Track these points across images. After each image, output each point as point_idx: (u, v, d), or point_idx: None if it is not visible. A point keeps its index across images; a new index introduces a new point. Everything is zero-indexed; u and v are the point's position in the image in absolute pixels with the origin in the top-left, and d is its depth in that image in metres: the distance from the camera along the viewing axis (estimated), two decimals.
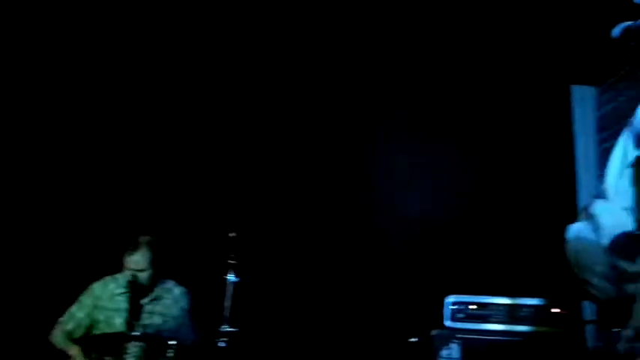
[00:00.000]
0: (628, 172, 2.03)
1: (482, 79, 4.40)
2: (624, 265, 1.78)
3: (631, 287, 1.76)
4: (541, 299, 3.68)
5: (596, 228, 2.00)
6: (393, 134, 4.38)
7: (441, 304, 3.62)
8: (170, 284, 3.93)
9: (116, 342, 3.57)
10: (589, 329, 3.54)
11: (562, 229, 2.20)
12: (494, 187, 4.31)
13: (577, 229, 2.07)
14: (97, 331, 3.76)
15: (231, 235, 3.62)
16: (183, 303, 3.92)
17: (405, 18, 4.13)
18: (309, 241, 4.31)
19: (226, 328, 3.49)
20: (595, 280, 1.87)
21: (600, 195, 2.10)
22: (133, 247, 3.76)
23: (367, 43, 4.27)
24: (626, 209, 2.03)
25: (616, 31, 1.82)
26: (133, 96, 4.50)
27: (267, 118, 4.48)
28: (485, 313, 3.69)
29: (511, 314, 3.67)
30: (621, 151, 2.07)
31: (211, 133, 4.49)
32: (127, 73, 4.44)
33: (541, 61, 4.24)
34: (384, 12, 4.13)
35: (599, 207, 2.09)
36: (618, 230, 1.93)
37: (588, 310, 3.50)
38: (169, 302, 3.87)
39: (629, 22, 1.80)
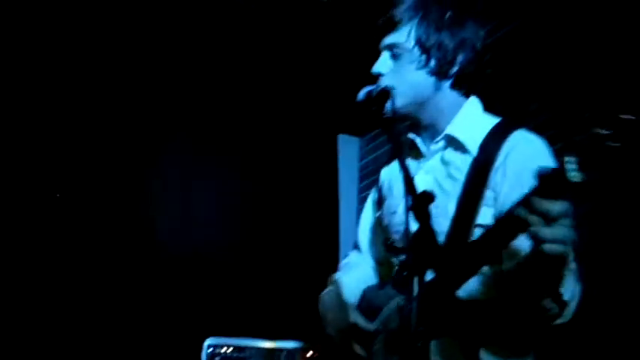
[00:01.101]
0: (374, 232, 2.12)
1: (261, 123, 4.44)
2: (363, 323, 1.81)
3: (370, 346, 1.77)
4: (298, 342, 3.72)
5: (342, 285, 2.05)
6: (157, 173, 4.23)
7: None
8: None
9: None
10: None
11: (322, 273, 2.23)
12: (259, 229, 4.33)
13: (336, 281, 2.10)
14: None
15: None
16: None
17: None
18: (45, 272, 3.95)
19: None
20: (336, 337, 1.89)
21: (355, 247, 2.17)
22: None
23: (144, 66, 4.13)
24: (376, 263, 2.12)
25: (360, 95, 1.86)
26: None
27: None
28: (242, 356, 3.65)
29: (268, 358, 3.67)
30: (370, 207, 2.15)
31: None
32: None
33: (312, 108, 4.40)
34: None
35: (350, 261, 2.15)
36: (364, 286, 1.98)
37: None
38: None
39: (372, 87, 1.85)
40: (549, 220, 1.31)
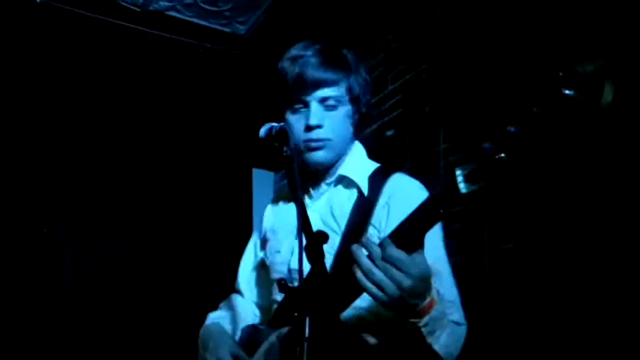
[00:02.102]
0: (255, 273, 2.12)
1: (175, 155, 4.41)
2: (243, 355, 1.81)
3: None
4: None
5: (233, 319, 2.05)
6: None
7: None
8: None
9: None
10: None
11: None
12: (170, 261, 4.24)
13: (217, 316, 2.09)
14: None
15: None
16: None
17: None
18: None
19: None
20: None
21: (236, 290, 2.16)
22: None
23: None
24: (255, 305, 2.12)
25: (262, 131, 1.88)
26: None
27: None
28: None
29: None
30: (252, 250, 2.16)
31: None
32: None
33: (228, 143, 4.39)
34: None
35: (236, 300, 2.14)
36: (245, 324, 1.99)
37: None
38: None
39: (274, 123, 1.83)
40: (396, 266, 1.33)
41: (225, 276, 4.21)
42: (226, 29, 4.22)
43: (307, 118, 1.85)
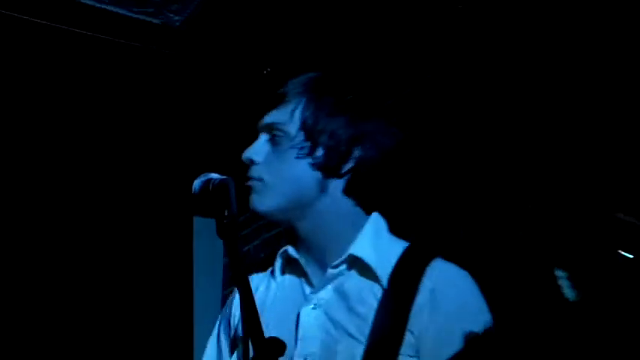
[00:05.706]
0: None
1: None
2: None
3: None
4: None
5: None
6: None
7: None
8: None
9: None
10: None
11: None
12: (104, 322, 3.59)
13: None
14: None
15: None
16: None
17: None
18: None
19: None
20: None
21: None
22: None
23: None
24: None
25: (196, 183, 1.41)
26: None
27: None
28: None
29: None
30: (215, 339, 1.64)
31: None
32: None
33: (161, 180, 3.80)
34: None
35: None
36: None
37: None
38: None
39: (213, 174, 1.40)
40: None
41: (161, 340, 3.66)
42: (155, 20, 3.36)
43: None
